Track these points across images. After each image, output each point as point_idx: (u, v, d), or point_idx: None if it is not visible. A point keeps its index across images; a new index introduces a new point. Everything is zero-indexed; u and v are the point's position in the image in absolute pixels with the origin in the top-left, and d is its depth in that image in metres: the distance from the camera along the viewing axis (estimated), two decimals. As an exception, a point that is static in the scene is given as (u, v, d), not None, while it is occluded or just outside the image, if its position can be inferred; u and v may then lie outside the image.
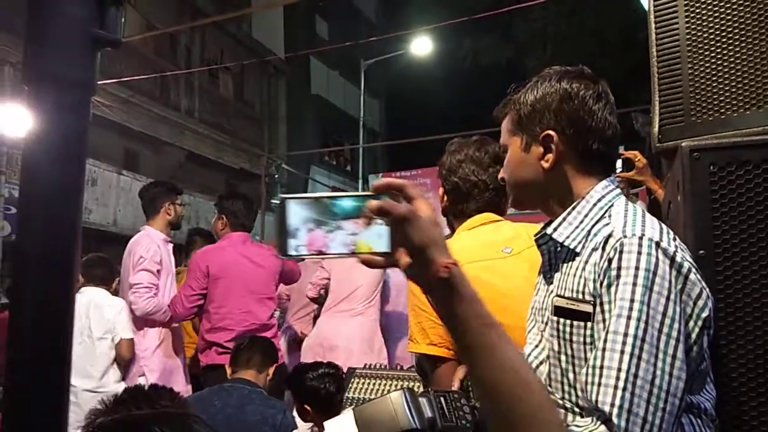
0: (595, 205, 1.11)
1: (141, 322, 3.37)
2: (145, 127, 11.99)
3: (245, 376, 2.61)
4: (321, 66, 17.63)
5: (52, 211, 0.40)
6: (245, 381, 2.58)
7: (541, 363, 1.14)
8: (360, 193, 0.84)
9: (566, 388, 1.07)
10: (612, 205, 1.11)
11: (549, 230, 1.13)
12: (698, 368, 1.00)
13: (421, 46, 14.69)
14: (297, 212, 0.86)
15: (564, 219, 1.12)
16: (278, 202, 0.87)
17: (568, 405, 1.06)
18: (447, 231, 1.87)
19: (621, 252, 0.98)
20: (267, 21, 16.04)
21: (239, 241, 3.51)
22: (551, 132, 1.14)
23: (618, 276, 0.97)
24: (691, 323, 0.98)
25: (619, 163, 2.40)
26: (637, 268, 0.96)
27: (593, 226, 1.08)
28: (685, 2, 1.26)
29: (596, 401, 0.93)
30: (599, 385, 0.94)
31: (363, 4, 19.87)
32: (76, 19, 0.41)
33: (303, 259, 0.93)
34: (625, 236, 1.00)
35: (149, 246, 3.36)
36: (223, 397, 2.46)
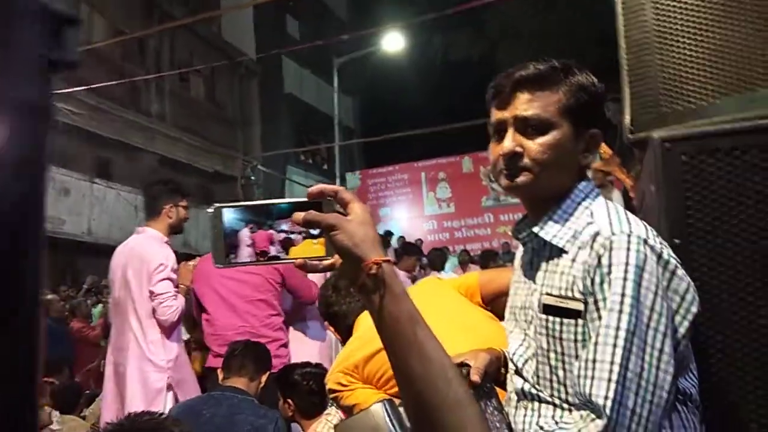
0: (579, 204, 1.12)
1: (163, 332, 3.11)
2: (117, 134, 11.83)
3: (237, 383, 2.58)
4: (293, 65, 17.52)
5: (7, 248, 0.38)
6: (236, 389, 2.55)
7: (527, 361, 1.14)
8: (294, 200, 0.86)
9: (555, 385, 1.07)
10: (593, 204, 1.11)
11: (536, 229, 1.13)
12: (684, 354, 1.02)
13: (393, 42, 14.67)
14: (233, 219, 0.87)
15: (550, 218, 1.12)
16: (212, 210, 0.87)
17: (557, 402, 1.07)
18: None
19: (611, 249, 0.99)
20: (237, 22, 15.90)
21: None
22: (597, 131, 1.14)
23: (609, 272, 0.98)
24: (678, 318, 1.00)
25: None
26: (627, 264, 0.97)
27: (579, 225, 1.09)
28: (652, -7, 1.27)
29: (589, 394, 0.94)
30: (592, 378, 0.95)
31: (333, 3, 19.81)
32: (31, 43, 0.39)
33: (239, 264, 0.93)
34: (613, 234, 1.01)
35: (165, 252, 3.12)
36: (212, 407, 2.43)
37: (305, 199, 0.88)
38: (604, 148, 2.40)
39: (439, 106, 15.82)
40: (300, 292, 3.57)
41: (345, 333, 2.20)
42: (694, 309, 1.00)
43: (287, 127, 17.17)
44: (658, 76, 1.25)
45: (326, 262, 0.87)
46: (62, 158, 10.88)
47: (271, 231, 0.90)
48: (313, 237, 0.90)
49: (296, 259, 0.88)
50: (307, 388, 2.54)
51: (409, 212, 14.52)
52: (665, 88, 1.24)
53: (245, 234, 0.91)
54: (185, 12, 12.56)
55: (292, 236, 0.91)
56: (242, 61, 15.09)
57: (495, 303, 1.75)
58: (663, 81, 1.25)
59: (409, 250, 6.49)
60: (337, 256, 0.86)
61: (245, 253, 0.92)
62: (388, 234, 11.07)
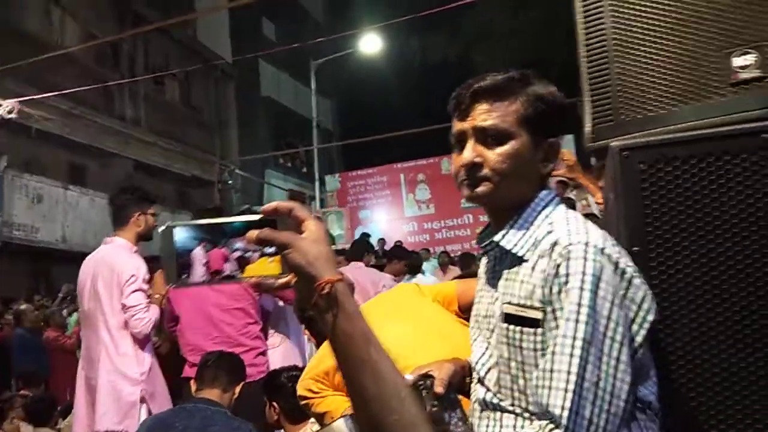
0: (539, 213, 1.12)
1: (135, 344, 3.06)
2: (90, 139, 11.66)
3: (209, 395, 2.54)
4: (270, 68, 17.44)
5: None
6: (209, 401, 2.51)
7: (489, 370, 1.14)
8: (249, 217, 0.85)
9: (516, 393, 1.07)
10: (554, 212, 1.12)
11: (497, 238, 1.13)
12: (642, 362, 1.02)
13: (370, 44, 14.69)
14: (186, 238, 0.86)
15: (511, 227, 1.13)
16: (163, 229, 0.86)
17: (518, 410, 1.07)
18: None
19: (568, 258, 1.00)
20: (212, 25, 15.78)
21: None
22: (556, 140, 1.15)
23: (566, 282, 0.98)
24: (635, 326, 1.00)
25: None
26: (584, 273, 0.98)
27: (539, 234, 1.09)
28: (611, 2, 1.28)
29: (547, 404, 0.95)
30: (549, 388, 0.95)
31: (310, 5, 19.75)
32: None
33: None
34: (571, 243, 1.01)
35: (136, 262, 3.07)
36: (185, 419, 2.39)
37: (260, 217, 0.87)
38: (568, 155, 2.42)
39: (417, 107, 15.84)
40: (284, 295, 3.52)
41: (321, 337, 2.19)
42: (650, 317, 1.01)
43: (265, 131, 17.09)
44: (617, 84, 1.26)
45: (282, 281, 0.86)
46: (35, 165, 10.70)
47: (225, 249, 0.89)
48: (269, 255, 0.89)
49: (251, 277, 0.87)
50: (293, 391, 2.51)
51: (389, 214, 14.53)
52: (624, 96, 1.25)
53: (199, 253, 0.90)
54: (159, 15, 12.42)
55: (248, 254, 0.90)
56: (218, 64, 14.98)
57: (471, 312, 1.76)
58: (622, 89, 1.25)
59: (398, 254, 6.46)
60: (293, 274, 0.85)
61: (199, 272, 0.90)
62: (366, 236, 11.05)
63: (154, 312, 3.04)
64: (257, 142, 16.43)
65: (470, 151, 1.11)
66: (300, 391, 2.00)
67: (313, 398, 1.94)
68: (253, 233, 0.83)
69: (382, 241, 11.77)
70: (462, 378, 1.25)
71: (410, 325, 1.99)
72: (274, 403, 2.55)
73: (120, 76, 12.28)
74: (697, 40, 1.20)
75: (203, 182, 15.19)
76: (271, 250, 0.87)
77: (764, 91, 1.14)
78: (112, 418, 2.91)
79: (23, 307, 8.04)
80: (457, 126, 1.15)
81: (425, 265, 9.88)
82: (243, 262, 0.89)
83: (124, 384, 2.95)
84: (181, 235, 0.88)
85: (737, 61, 1.16)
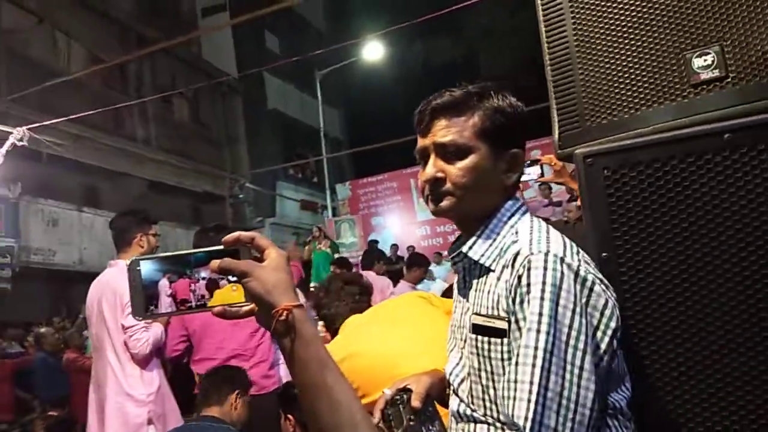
0: (506, 223, 1.14)
1: (141, 365, 3.09)
2: (102, 161, 11.83)
3: (211, 412, 2.58)
4: (275, 80, 17.56)
5: None
6: (213, 418, 2.55)
7: (462, 381, 1.15)
8: (212, 248, 0.87)
9: (487, 404, 1.08)
10: (519, 222, 1.13)
11: (464, 249, 1.15)
12: (610, 369, 1.03)
13: (374, 51, 14.75)
14: (151, 270, 0.88)
15: (478, 237, 1.15)
16: (128, 264, 0.89)
17: (490, 420, 1.08)
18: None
19: (529, 269, 1.01)
20: (216, 41, 15.95)
21: None
22: (518, 151, 1.17)
23: (528, 292, 0.99)
24: (599, 333, 1.00)
25: (538, 169, 2.44)
26: (543, 283, 0.99)
27: (504, 244, 1.11)
28: (571, 9, 1.29)
29: (511, 415, 0.96)
30: (513, 398, 0.96)
31: (311, 15, 19.86)
32: None
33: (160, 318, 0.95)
34: (531, 253, 1.03)
35: None
36: (191, 437, 2.43)
37: (222, 248, 0.90)
38: (554, 160, 2.41)
39: (424, 111, 15.80)
40: None
41: (333, 335, 2.24)
42: (613, 324, 1.01)
43: (274, 143, 17.20)
44: (581, 90, 1.26)
45: (246, 308, 0.89)
46: (49, 189, 10.88)
47: (190, 279, 0.91)
48: (233, 283, 0.91)
49: (215, 306, 0.89)
50: None
51: (402, 219, 14.53)
52: (589, 102, 1.26)
53: (164, 284, 0.92)
54: (164, 36, 12.57)
55: (219, 278, 0.92)
56: (224, 80, 15.12)
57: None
58: (587, 95, 1.26)
59: (417, 261, 6.47)
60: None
61: (165, 303, 0.93)
62: (374, 243, 11.08)
63: (154, 331, 3.06)
64: (267, 155, 16.54)
65: (432, 167, 1.14)
66: None
67: None
68: (215, 263, 0.86)
69: (394, 246, 11.79)
70: (442, 390, 1.26)
71: (407, 333, 2.01)
72: (290, 416, 2.56)
73: (128, 97, 12.45)
74: (656, 42, 1.20)
75: (215, 197, 15.33)
76: (234, 279, 0.90)
77: (725, 91, 1.14)
78: None
79: (43, 330, 8.15)
80: (420, 142, 1.18)
81: (438, 270, 9.88)
82: (213, 286, 0.92)
83: (130, 405, 2.97)
84: (146, 268, 0.90)
85: (697, 62, 1.16)
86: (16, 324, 8.77)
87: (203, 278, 0.91)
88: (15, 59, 10.51)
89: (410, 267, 6.17)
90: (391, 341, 1.97)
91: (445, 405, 1.25)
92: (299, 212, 17.53)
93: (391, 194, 14.77)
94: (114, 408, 2.97)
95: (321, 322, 2.37)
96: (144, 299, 0.90)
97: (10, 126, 8.02)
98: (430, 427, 1.15)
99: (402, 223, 14.46)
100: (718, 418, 1.08)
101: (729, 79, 1.14)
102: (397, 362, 1.82)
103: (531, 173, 2.45)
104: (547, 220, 2.42)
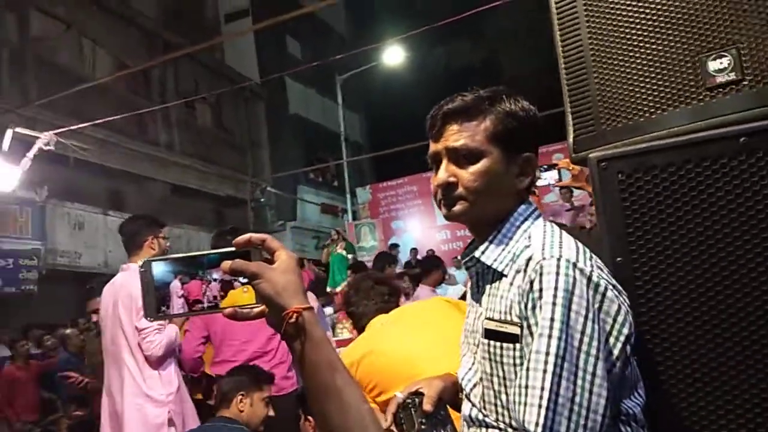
0: (518, 227, 1.14)
1: (157, 366, 3.13)
2: (126, 165, 12.01)
3: (225, 413, 2.61)
4: (297, 85, 17.68)
5: None
6: (227, 419, 2.58)
7: (474, 385, 1.15)
8: (224, 249, 0.88)
9: (500, 409, 1.08)
10: (532, 226, 1.13)
11: (477, 254, 1.15)
12: (623, 375, 1.02)
13: (394, 55, 14.76)
14: (164, 272, 0.90)
15: (491, 242, 1.14)
16: (140, 265, 0.90)
17: (502, 426, 1.08)
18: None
19: (541, 274, 1.00)
20: (239, 47, 16.11)
21: None
22: (531, 155, 1.16)
23: (540, 297, 0.99)
24: (612, 339, 1.00)
25: (555, 174, 2.43)
26: (556, 289, 0.98)
27: (517, 249, 1.10)
28: (586, 13, 1.28)
29: (522, 420, 0.95)
30: (524, 404, 0.96)
31: (332, 20, 19.97)
32: None
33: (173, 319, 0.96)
34: (544, 258, 1.02)
35: None
36: (207, 438, 2.46)
37: (234, 249, 0.91)
38: (572, 165, 2.39)
39: (444, 114, 15.79)
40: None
41: (359, 332, 2.28)
42: (625, 330, 1.00)
43: (295, 147, 17.31)
44: (596, 94, 1.26)
45: (256, 310, 0.90)
46: (75, 193, 11.08)
47: (202, 281, 0.93)
48: (244, 284, 0.92)
49: (226, 308, 0.90)
50: None
51: (422, 223, 14.51)
52: (604, 105, 1.25)
53: (176, 285, 0.94)
54: (188, 42, 12.74)
55: (223, 284, 0.94)
56: (247, 85, 15.26)
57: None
58: (601, 99, 1.25)
59: (433, 263, 6.45)
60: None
61: (177, 304, 0.94)
62: (394, 247, 11.07)
63: (168, 333, 3.08)
64: (288, 159, 16.65)
65: (444, 172, 1.14)
66: None
67: None
68: (226, 264, 0.87)
69: (414, 250, 11.77)
70: (454, 393, 1.26)
71: (429, 336, 2.01)
72: (309, 417, 2.58)
73: (152, 103, 12.63)
74: (672, 45, 1.19)
75: (238, 201, 15.46)
76: (244, 280, 0.91)
77: (741, 94, 1.13)
78: None
79: (68, 331, 8.28)
80: (432, 147, 1.18)
81: (458, 274, 9.84)
82: (227, 287, 0.93)
83: (149, 407, 3.00)
84: (158, 269, 0.92)
85: (713, 65, 1.15)
86: (40, 326, 8.93)
87: (215, 279, 0.92)
88: (43, 66, 10.73)
89: (428, 270, 6.16)
90: (412, 342, 1.98)
91: (458, 409, 1.25)
92: (320, 216, 17.60)
93: (412, 198, 14.75)
94: (133, 409, 3.00)
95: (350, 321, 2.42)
96: (156, 300, 0.92)
97: (38, 131, 8.19)
98: (442, 431, 1.15)
99: (422, 227, 14.44)
100: (733, 426, 1.06)
101: (745, 83, 1.13)
102: (415, 363, 1.83)
103: (548, 177, 2.44)
104: (563, 225, 2.41)
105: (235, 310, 0.89)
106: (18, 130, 7.95)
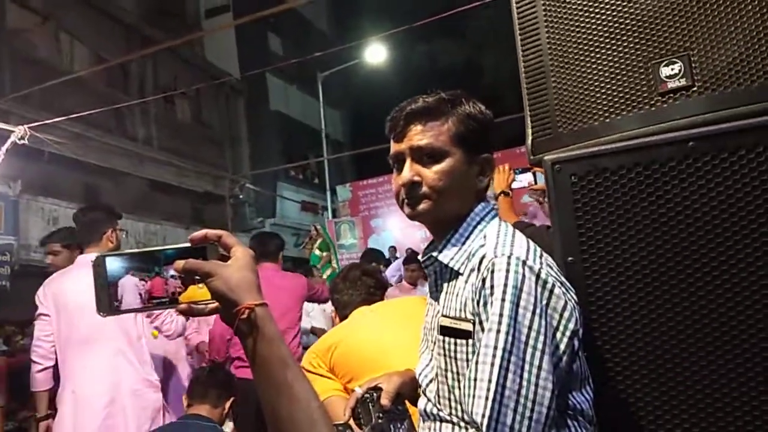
0: (475, 227, 1.17)
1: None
2: (103, 160, 11.85)
3: (200, 411, 2.59)
4: (278, 81, 17.60)
5: None
6: (200, 417, 2.56)
7: (431, 381, 1.18)
8: (180, 245, 0.89)
9: (453, 404, 1.11)
10: (488, 226, 1.16)
11: (435, 253, 1.18)
12: (570, 370, 1.05)
13: (376, 53, 14.77)
14: (118, 267, 0.90)
15: (448, 241, 1.17)
16: (93, 260, 0.91)
17: (455, 420, 1.10)
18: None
19: (492, 271, 1.03)
20: (219, 42, 15.99)
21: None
22: (489, 155, 1.20)
23: (491, 294, 1.02)
24: (558, 334, 1.03)
25: (530, 177, 2.47)
26: (505, 285, 1.01)
27: (473, 248, 1.13)
28: (546, 18, 1.31)
29: (471, 412, 0.98)
30: (473, 396, 0.99)
31: (314, 17, 19.90)
32: None
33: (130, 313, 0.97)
34: (495, 256, 1.05)
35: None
36: (178, 434, 2.45)
37: (189, 245, 0.92)
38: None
39: (425, 113, 15.85)
40: (321, 296, 4.20)
41: (342, 320, 2.32)
42: (571, 326, 1.03)
43: (276, 144, 17.23)
44: (553, 98, 1.29)
45: (211, 306, 0.91)
46: (50, 188, 10.92)
47: (158, 277, 0.93)
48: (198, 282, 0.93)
49: (180, 304, 0.91)
50: None
51: (402, 221, 14.49)
52: (561, 109, 1.28)
53: (131, 281, 0.94)
54: (167, 36, 12.61)
55: (183, 278, 0.94)
56: (227, 80, 15.15)
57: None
58: (559, 103, 1.28)
59: (415, 262, 6.52)
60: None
61: (131, 300, 0.95)
62: (394, 249, 11.19)
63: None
64: (268, 156, 16.57)
65: (409, 171, 1.17)
66: (303, 363, 2.09)
67: (310, 372, 2.00)
68: (180, 263, 0.88)
69: (392, 248, 11.81)
70: (414, 389, 1.29)
71: (405, 330, 2.04)
72: None
73: (130, 97, 12.48)
74: (626, 51, 1.22)
75: (216, 198, 15.34)
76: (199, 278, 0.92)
77: (691, 99, 1.16)
78: (144, 424, 2.96)
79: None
80: (394, 147, 1.20)
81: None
82: (187, 281, 0.94)
83: (149, 391, 3.01)
84: (113, 265, 0.93)
85: (665, 71, 1.19)
86: (12, 322, 8.79)
87: (171, 276, 0.93)
88: (19, 58, 10.55)
89: (410, 268, 6.25)
90: (387, 334, 2.00)
91: (417, 404, 1.27)
92: (300, 213, 17.56)
93: (392, 196, 14.47)
94: (132, 394, 2.96)
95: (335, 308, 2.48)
96: (108, 296, 0.92)
97: (13, 125, 8.06)
98: (399, 426, 1.18)
99: (402, 225, 14.44)
100: (679, 421, 1.10)
101: (695, 88, 1.16)
102: (388, 354, 1.85)
103: (523, 180, 2.48)
104: (531, 225, 2.45)
105: (190, 306, 0.90)
106: (-9, 123, 7.83)
